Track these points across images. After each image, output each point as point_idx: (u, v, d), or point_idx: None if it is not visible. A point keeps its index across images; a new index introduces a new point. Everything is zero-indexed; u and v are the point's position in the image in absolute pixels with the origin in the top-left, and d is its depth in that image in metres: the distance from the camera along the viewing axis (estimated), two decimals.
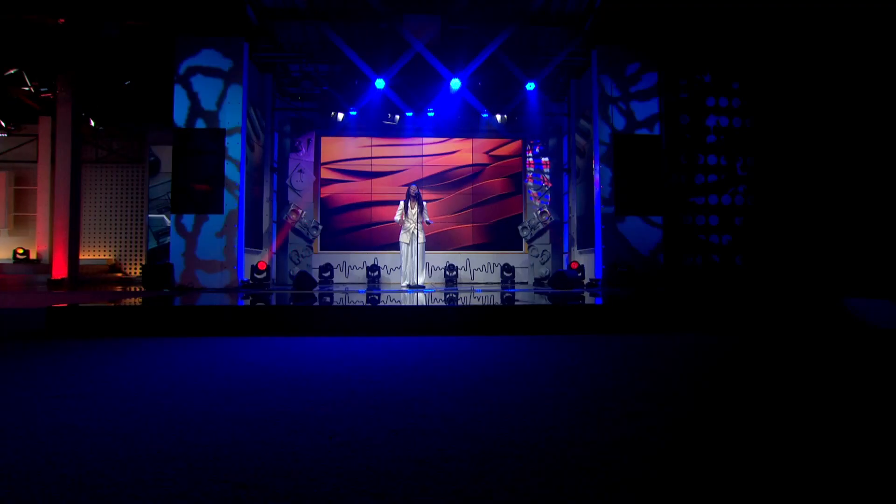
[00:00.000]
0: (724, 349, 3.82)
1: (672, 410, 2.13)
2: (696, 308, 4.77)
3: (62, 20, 7.26)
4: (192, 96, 8.14)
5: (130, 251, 10.93)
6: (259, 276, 8.60)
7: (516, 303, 5.64)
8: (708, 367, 3.15)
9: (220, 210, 8.01)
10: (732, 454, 1.65)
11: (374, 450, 1.67)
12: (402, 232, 8.03)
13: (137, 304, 4.73)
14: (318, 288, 8.41)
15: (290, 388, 2.52)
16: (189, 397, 2.33)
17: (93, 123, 9.90)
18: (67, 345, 3.89)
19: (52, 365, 3.12)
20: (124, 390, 2.46)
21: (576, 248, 10.07)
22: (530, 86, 9.56)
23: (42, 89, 8.62)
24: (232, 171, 8.14)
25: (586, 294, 7.07)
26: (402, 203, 8.06)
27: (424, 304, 5.34)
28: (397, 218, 8.02)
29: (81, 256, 10.08)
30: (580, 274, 8.82)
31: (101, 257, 10.62)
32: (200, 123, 8.10)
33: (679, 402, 2.26)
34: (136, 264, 10.79)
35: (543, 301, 5.87)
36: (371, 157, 11.14)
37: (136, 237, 10.98)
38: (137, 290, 8.04)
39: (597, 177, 8.51)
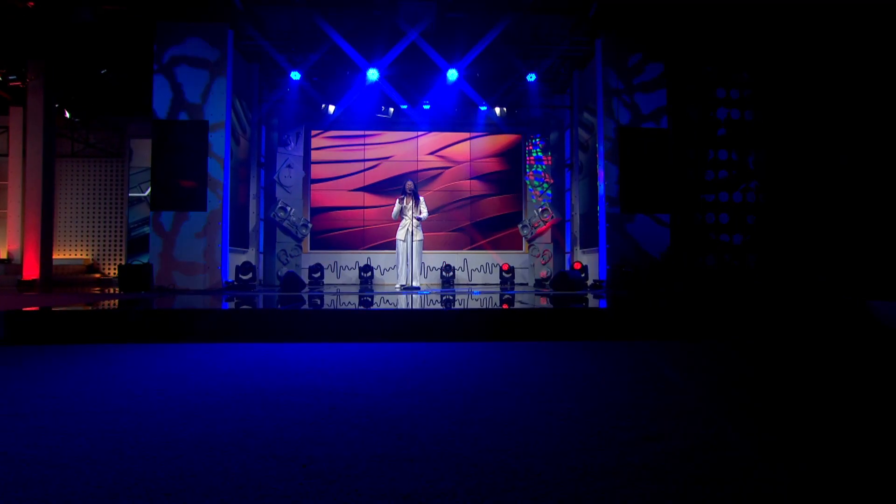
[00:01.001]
0: (744, 356, 3.65)
1: (697, 430, 1.94)
2: (710, 311, 4.59)
3: (31, 3, 7.03)
4: (176, 87, 7.92)
5: (109, 250, 10.71)
6: (245, 278, 8.39)
7: (517, 306, 5.46)
8: (730, 378, 2.97)
9: (202, 208, 7.79)
10: (774, 491, 1.46)
11: (353, 481, 1.48)
12: (398, 229, 7.91)
13: (104, 307, 4.53)
14: (306, 289, 8.22)
15: (265, 404, 2.33)
16: (149, 416, 2.14)
17: (68, 115, 9.66)
18: (23, 353, 3.69)
19: None
20: (76, 407, 2.27)
21: (578, 247, 9.87)
22: (531, 77, 9.37)
23: (10, 77, 8.37)
24: (215, 169, 7.92)
25: (590, 296, 6.90)
26: (398, 199, 7.95)
27: (418, 307, 5.15)
28: (395, 215, 7.89)
29: (56, 256, 9.85)
30: (584, 275, 8.64)
31: (78, 257, 10.38)
32: (183, 116, 7.88)
33: (702, 420, 2.08)
34: (115, 265, 10.57)
35: (546, 304, 5.69)
36: (364, 152, 10.95)
37: (115, 235, 10.76)
38: (114, 291, 7.82)
39: (601, 172, 8.32)
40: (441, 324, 4.35)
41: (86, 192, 10.67)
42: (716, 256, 8.34)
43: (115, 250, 10.70)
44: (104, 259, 10.66)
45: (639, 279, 7.80)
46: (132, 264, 7.94)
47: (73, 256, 10.43)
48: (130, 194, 10.40)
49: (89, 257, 10.53)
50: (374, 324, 4.29)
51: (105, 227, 10.76)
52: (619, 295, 6.92)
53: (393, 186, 10.64)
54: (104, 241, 10.74)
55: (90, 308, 4.35)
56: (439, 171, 11.05)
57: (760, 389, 2.69)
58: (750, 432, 1.95)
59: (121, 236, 10.65)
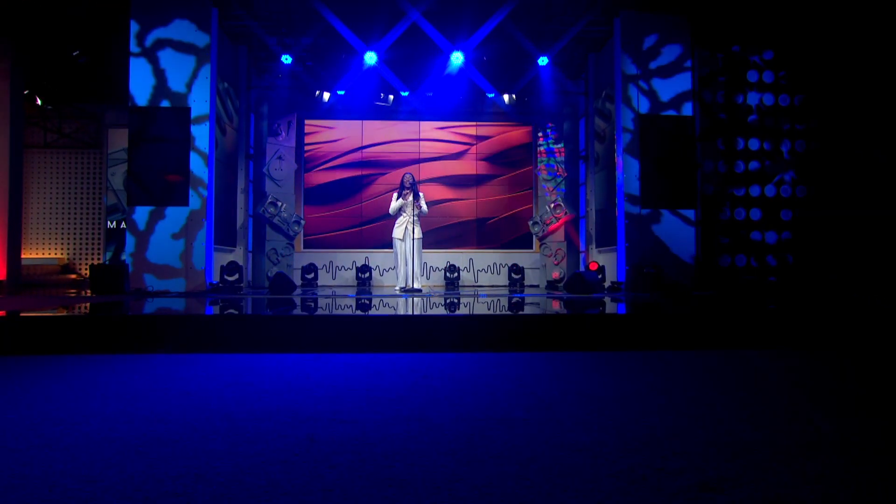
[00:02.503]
0: (804, 372, 3.31)
1: (769, 476, 1.61)
2: (751, 317, 4.26)
3: None
4: (159, 73, 7.63)
5: (86, 249, 10.45)
6: (230, 279, 8.11)
7: (529, 311, 5.15)
8: (797, 400, 2.64)
9: (182, 203, 7.51)
10: None
11: None
12: (395, 227, 7.64)
13: (59, 313, 4.23)
14: (298, 292, 7.94)
15: (229, 433, 2.01)
16: (80, 452, 1.83)
17: (39, 102, 9.39)
18: None
19: None
20: None
21: (594, 246, 9.64)
22: (543, 60, 9.06)
23: None
24: (199, 166, 7.63)
25: (607, 299, 6.60)
26: (395, 193, 7.69)
27: (419, 312, 4.84)
28: (393, 210, 7.62)
29: (26, 255, 9.60)
30: (600, 276, 8.35)
31: (51, 256, 10.12)
32: (165, 105, 7.60)
33: (774, 462, 1.75)
34: (93, 264, 10.32)
35: (561, 308, 5.38)
36: (361, 143, 10.71)
37: (92, 233, 10.49)
38: (86, 294, 7.54)
39: (619, 164, 8.05)
40: (444, 331, 4.04)
41: (60, 185, 10.39)
42: (747, 256, 8.02)
43: (93, 249, 10.44)
44: (81, 258, 10.40)
45: (661, 280, 7.51)
46: (105, 264, 7.69)
47: (45, 256, 10.17)
48: (109, 188, 10.13)
49: (64, 256, 10.27)
50: (368, 331, 3.98)
51: (81, 223, 10.49)
52: (641, 298, 6.61)
53: (392, 180, 10.36)
54: (80, 238, 10.48)
55: (42, 315, 4.05)
56: (442, 163, 10.80)
57: (840, 407, 2.35)
58: (848, 479, 1.62)
59: (98, 234, 10.38)
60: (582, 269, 9.91)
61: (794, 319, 4.20)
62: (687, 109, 7.85)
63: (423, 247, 7.96)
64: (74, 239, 10.46)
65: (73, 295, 7.64)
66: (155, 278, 7.32)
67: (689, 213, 7.80)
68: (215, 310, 4.85)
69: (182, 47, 7.64)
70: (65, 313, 4.14)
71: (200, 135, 7.67)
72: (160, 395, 2.63)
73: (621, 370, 3.33)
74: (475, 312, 4.82)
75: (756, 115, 8.06)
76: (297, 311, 5.00)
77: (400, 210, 7.57)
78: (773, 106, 8.06)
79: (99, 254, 10.38)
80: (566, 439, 1.95)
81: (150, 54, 7.61)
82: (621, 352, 3.92)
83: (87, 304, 5.42)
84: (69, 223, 10.45)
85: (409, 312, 4.80)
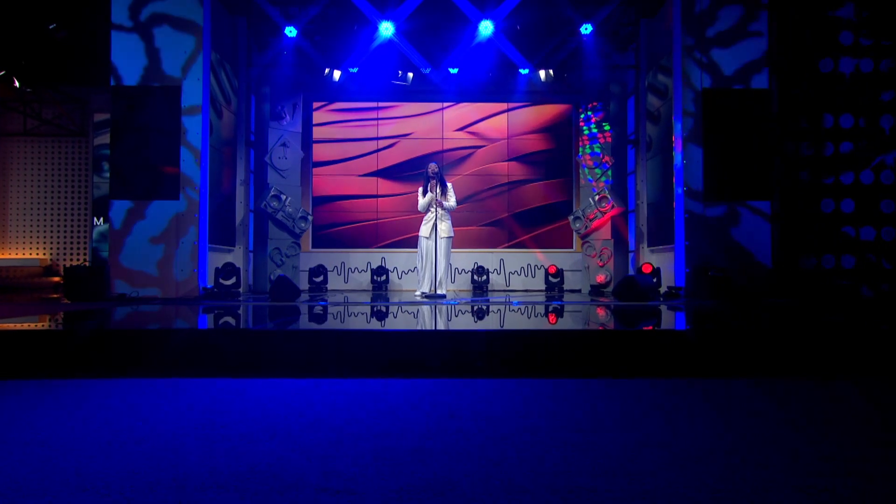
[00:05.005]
0: None
1: None
2: (859, 338, 3.67)
3: None
4: (153, 53, 7.32)
5: (72, 249, 10.27)
6: (226, 283, 7.76)
7: (575, 323, 4.61)
8: None
9: (172, 197, 7.20)
10: None
11: None
12: (422, 224, 7.65)
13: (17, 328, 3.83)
14: (303, 298, 7.53)
15: None
16: None
17: (17, 84, 9.18)
18: None
19: None
20: None
21: (645, 244, 9.20)
22: (586, 29, 8.63)
23: None
24: (189, 164, 7.33)
25: (663, 308, 6.07)
26: (421, 187, 7.69)
27: (443, 326, 4.33)
28: (422, 207, 7.63)
29: (4, 256, 9.40)
30: (655, 280, 7.81)
31: (32, 257, 9.94)
32: (156, 91, 7.31)
33: None
34: (81, 265, 10.15)
35: (614, 320, 4.84)
36: (377, 128, 10.43)
37: (78, 230, 10.29)
38: (62, 300, 7.23)
39: (678, 148, 7.57)
40: (473, 350, 3.53)
41: (41, 178, 10.25)
42: (836, 256, 7.38)
43: (79, 249, 10.27)
44: (66, 259, 10.24)
45: (730, 286, 6.99)
46: (81, 266, 7.36)
47: (26, 256, 10.01)
48: (96, 180, 9.89)
49: (47, 257, 10.11)
50: (379, 351, 3.49)
51: (66, 220, 10.34)
52: (708, 307, 6.03)
53: (413, 170, 10.15)
54: (65, 237, 10.33)
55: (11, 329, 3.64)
56: (470, 150, 10.49)
57: None
58: None
59: (85, 232, 10.18)
60: (632, 271, 9.43)
61: None
62: (758, 82, 7.31)
63: (451, 245, 7.76)
64: (58, 238, 10.31)
65: (43, 300, 7.32)
66: (129, 286, 7.04)
67: (764, 206, 7.31)
68: (191, 322, 4.41)
69: (180, 25, 7.38)
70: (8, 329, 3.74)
71: (193, 122, 7.37)
72: (96, 445, 2.16)
73: (719, 412, 2.77)
74: (512, 327, 4.30)
75: (849, 85, 7.39)
76: (297, 325, 4.54)
77: (429, 206, 7.52)
78: (871, 73, 7.37)
79: (86, 254, 10.18)
80: None
81: (145, 30, 7.34)
82: (699, 378, 3.37)
83: (52, 315, 5.05)
84: (52, 220, 10.30)
85: (431, 326, 4.30)
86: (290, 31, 8.61)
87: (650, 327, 4.39)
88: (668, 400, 2.92)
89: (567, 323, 4.80)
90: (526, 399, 2.90)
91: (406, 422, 2.47)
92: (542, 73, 9.67)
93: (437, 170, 7.59)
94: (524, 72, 9.46)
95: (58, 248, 10.24)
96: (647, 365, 3.48)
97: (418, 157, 10.27)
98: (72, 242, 10.28)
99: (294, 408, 2.72)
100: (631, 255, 9.71)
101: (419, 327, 4.25)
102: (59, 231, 10.27)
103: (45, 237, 10.21)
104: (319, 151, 10.34)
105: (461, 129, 10.51)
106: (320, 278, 9.55)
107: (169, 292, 7.16)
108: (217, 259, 8.06)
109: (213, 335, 3.59)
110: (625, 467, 1.90)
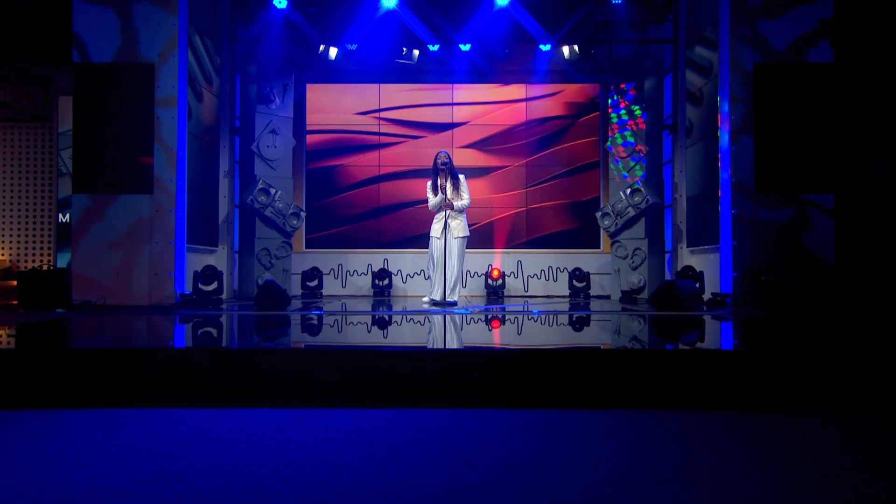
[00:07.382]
0: None
1: None
2: None
3: None
4: (129, 32, 7.08)
5: (35, 249, 10.14)
6: (207, 289, 7.54)
7: (609, 337, 4.29)
8: None
9: (145, 192, 7.00)
10: None
11: None
12: (433, 221, 7.43)
13: None
14: (294, 306, 7.30)
15: None
16: None
17: None
18: None
19: None
20: None
21: (684, 244, 9.02)
22: None
23: None
24: (164, 154, 7.09)
25: (707, 318, 5.79)
26: (430, 182, 7.44)
27: (455, 343, 4.01)
28: (432, 205, 7.38)
29: None
30: (697, 285, 7.55)
31: None
32: (128, 74, 7.06)
33: None
34: (44, 266, 10.03)
35: (658, 335, 4.51)
36: (378, 112, 10.39)
37: (42, 229, 10.14)
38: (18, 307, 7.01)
39: (725, 131, 7.34)
40: (488, 373, 3.22)
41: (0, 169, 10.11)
42: None
43: (43, 249, 10.16)
44: (28, 259, 10.12)
45: (786, 292, 6.76)
46: (37, 270, 7.13)
47: None
48: (62, 172, 9.72)
49: (6, 258, 10.00)
50: (376, 375, 3.18)
51: (27, 217, 10.25)
52: (762, 317, 5.71)
53: (419, 161, 10.08)
54: (26, 235, 10.23)
55: None
56: (484, 139, 10.45)
57: None
58: None
59: (49, 230, 10.03)
60: (669, 275, 9.20)
61: None
62: (828, 54, 7.06)
63: (464, 246, 7.50)
64: (18, 235, 10.22)
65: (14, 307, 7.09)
66: (92, 292, 6.83)
67: (827, 200, 7.06)
68: (156, 337, 4.12)
69: (163, 3, 7.15)
70: None
71: (168, 105, 7.13)
72: None
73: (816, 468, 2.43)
74: (538, 342, 3.97)
75: None
76: (283, 340, 4.24)
77: (440, 207, 7.31)
78: None
79: (50, 255, 10.05)
80: None
81: (123, 4, 7.12)
82: (769, 414, 3.03)
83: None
84: (12, 217, 10.21)
85: (440, 342, 3.98)
86: (280, 2, 8.48)
87: (730, 347, 4.05)
88: (749, 440, 2.58)
89: (604, 338, 4.47)
90: (557, 438, 2.57)
91: (410, 471, 2.15)
92: (565, 50, 9.59)
93: (446, 159, 7.33)
94: (545, 48, 9.37)
95: (18, 248, 10.16)
96: (705, 395, 3.15)
97: (424, 145, 10.23)
98: (34, 241, 10.17)
99: (273, 450, 2.40)
100: (668, 256, 9.58)
101: (425, 343, 3.94)
102: (19, 228, 10.17)
103: (2, 236, 10.09)
104: (313, 139, 10.29)
105: (474, 112, 10.43)
106: (315, 282, 9.41)
107: (140, 299, 6.93)
108: (197, 261, 7.86)
109: (178, 354, 3.27)
110: None
